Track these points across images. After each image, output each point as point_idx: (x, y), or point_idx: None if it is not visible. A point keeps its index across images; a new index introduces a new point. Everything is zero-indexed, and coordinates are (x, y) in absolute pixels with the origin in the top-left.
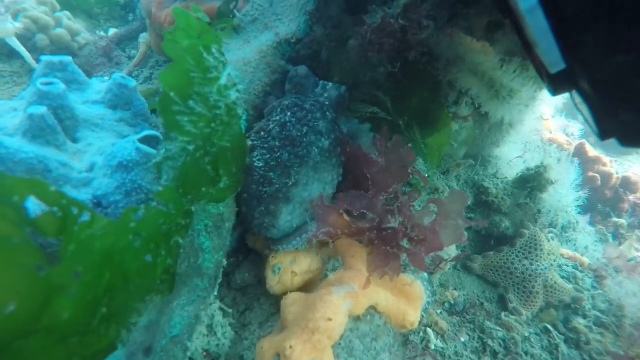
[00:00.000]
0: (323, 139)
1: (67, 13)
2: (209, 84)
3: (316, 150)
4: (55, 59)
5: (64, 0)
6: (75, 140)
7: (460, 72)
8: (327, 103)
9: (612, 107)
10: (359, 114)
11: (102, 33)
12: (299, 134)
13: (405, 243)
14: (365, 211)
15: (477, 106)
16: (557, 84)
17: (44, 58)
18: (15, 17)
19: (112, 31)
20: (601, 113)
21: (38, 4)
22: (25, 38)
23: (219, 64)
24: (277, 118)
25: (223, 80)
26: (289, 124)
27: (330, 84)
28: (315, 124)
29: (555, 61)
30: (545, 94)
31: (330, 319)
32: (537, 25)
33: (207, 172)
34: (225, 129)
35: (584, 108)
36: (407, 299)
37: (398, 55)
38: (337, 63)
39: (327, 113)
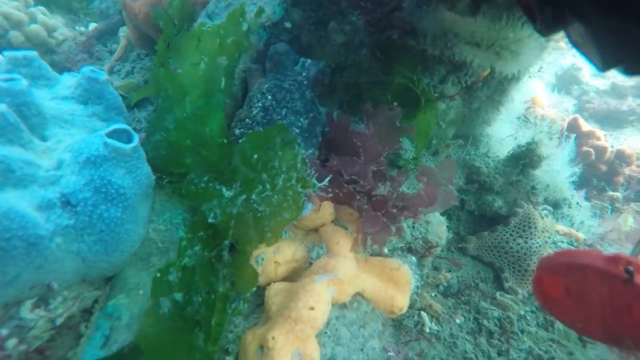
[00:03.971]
0: (302, 119)
1: (42, 8)
2: None
3: (296, 130)
4: (19, 53)
5: None
6: (44, 138)
7: (456, 45)
8: (305, 82)
9: (620, 28)
10: (343, 97)
11: (82, 28)
12: (279, 117)
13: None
14: (355, 177)
15: (464, 84)
16: (552, 17)
17: (7, 53)
18: None
19: (92, 25)
20: (605, 39)
21: None
22: None
23: None
24: (259, 104)
25: None
26: (270, 107)
27: (309, 60)
28: (294, 104)
29: None
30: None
31: (312, 308)
32: None
33: None
34: None
35: (581, 38)
36: (395, 284)
37: (382, 34)
38: (318, 47)
39: (306, 92)
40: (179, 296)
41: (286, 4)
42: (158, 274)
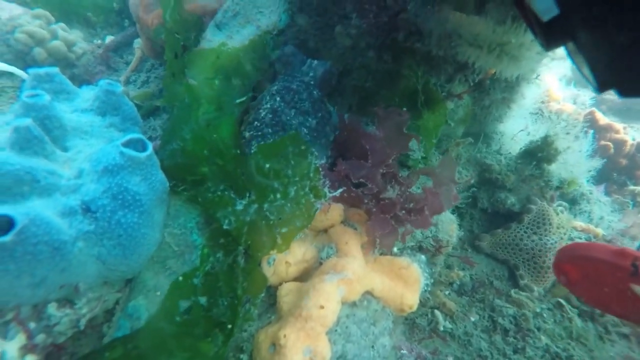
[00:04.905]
0: (310, 118)
1: (62, 25)
2: None
3: (305, 130)
4: (42, 70)
5: (61, 10)
6: (65, 149)
7: (459, 46)
8: (312, 82)
9: (613, 54)
10: (351, 99)
11: (99, 41)
12: (288, 117)
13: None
14: (364, 181)
15: (471, 82)
16: (550, 35)
17: (31, 71)
18: (12, 32)
19: (109, 38)
20: (599, 62)
21: (33, 18)
22: (23, 52)
23: None
24: (268, 106)
25: None
26: (278, 109)
27: (316, 61)
28: (302, 104)
29: (548, 7)
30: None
31: (322, 306)
32: None
33: None
34: None
35: (579, 59)
36: (404, 282)
37: (387, 36)
38: (325, 50)
39: (313, 92)
40: (203, 300)
41: (291, 11)
42: (180, 278)
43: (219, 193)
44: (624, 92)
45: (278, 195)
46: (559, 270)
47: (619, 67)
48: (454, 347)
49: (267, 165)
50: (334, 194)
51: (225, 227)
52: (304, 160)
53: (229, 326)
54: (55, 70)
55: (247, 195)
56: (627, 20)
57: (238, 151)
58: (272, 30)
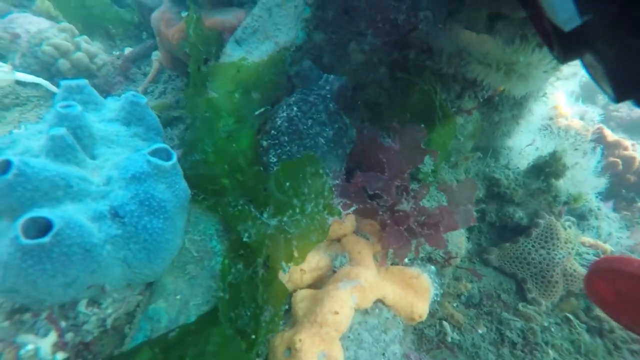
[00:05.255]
0: (327, 129)
1: (86, 37)
2: None
3: (322, 140)
4: (73, 82)
5: (85, 23)
6: (93, 157)
7: (469, 64)
8: (328, 96)
9: (631, 64)
10: (364, 114)
11: (119, 52)
12: (305, 127)
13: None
14: (379, 192)
15: (481, 99)
16: (568, 48)
17: (63, 83)
18: (39, 44)
19: (128, 50)
20: (617, 72)
21: (59, 31)
22: (48, 64)
23: None
24: (284, 114)
25: None
26: (295, 118)
27: (332, 76)
28: (319, 115)
29: (569, 17)
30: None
31: (336, 312)
32: None
33: None
34: None
35: (597, 69)
36: (415, 292)
37: (399, 53)
38: (339, 66)
39: (330, 104)
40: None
41: (308, 29)
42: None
43: (239, 207)
44: None
45: (297, 211)
46: (591, 289)
47: (637, 77)
48: (461, 358)
49: (288, 184)
50: (348, 212)
51: (245, 239)
52: (319, 179)
53: (253, 336)
54: (85, 82)
55: (267, 209)
56: None
57: (260, 167)
58: (289, 47)
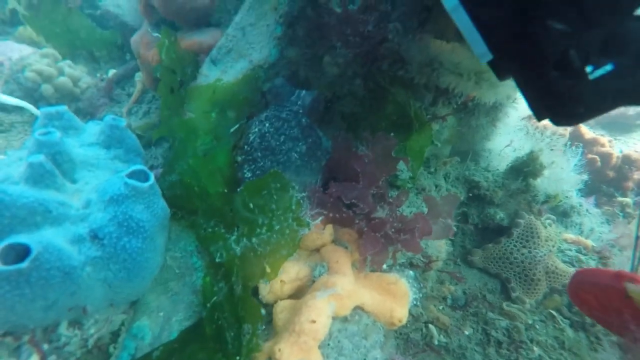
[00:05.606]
0: (300, 144)
1: (69, 62)
2: None
3: (296, 155)
4: (53, 109)
5: (70, 46)
6: (74, 181)
7: (441, 75)
8: (300, 111)
9: (540, 91)
10: (340, 125)
11: (103, 74)
12: (277, 142)
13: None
14: (355, 201)
15: (454, 105)
16: (497, 70)
17: (42, 110)
18: (22, 71)
19: (112, 72)
20: (532, 97)
21: (42, 57)
22: (32, 89)
23: None
24: (256, 129)
25: None
26: (267, 134)
27: (304, 92)
28: (291, 131)
29: (483, 53)
30: None
31: (313, 321)
32: (462, 22)
33: None
34: None
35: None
36: (393, 297)
37: (372, 65)
38: (315, 79)
39: (302, 119)
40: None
41: (281, 46)
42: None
43: (210, 229)
44: (555, 122)
45: (264, 229)
46: (578, 301)
47: (547, 102)
48: None
49: (252, 203)
50: (316, 222)
51: (217, 260)
52: (285, 194)
53: (237, 358)
54: (64, 108)
55: (236, 229)
56: (547, 67)
57: (224, 190)
58: (263, 64)
